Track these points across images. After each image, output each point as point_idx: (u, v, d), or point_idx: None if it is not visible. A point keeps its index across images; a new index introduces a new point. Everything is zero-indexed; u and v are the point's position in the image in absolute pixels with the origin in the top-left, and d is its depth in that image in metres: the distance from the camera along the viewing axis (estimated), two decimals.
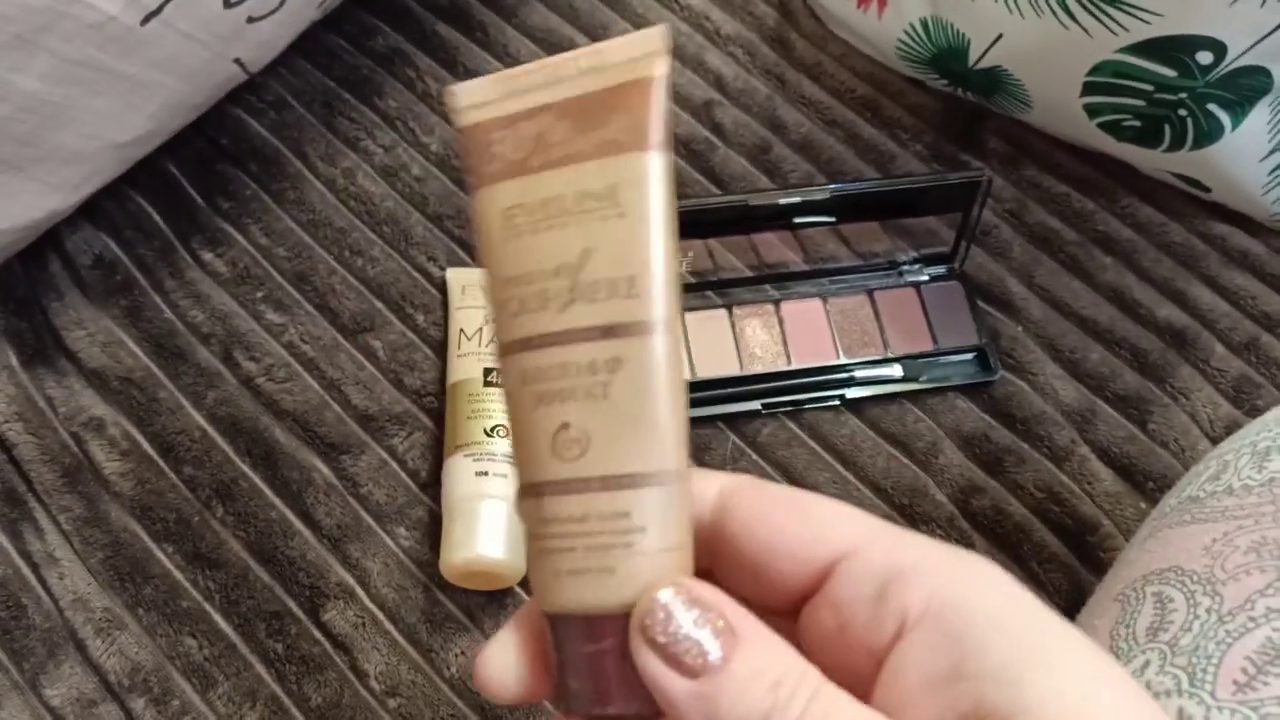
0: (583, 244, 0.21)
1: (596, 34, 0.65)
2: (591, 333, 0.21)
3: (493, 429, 0.50)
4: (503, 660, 0.22)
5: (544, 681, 0.22)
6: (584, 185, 0.21)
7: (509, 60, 0.64)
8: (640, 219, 0.21)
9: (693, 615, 0.20)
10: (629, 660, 0.20)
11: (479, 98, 0.22)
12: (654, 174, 0.21)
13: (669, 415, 0.21)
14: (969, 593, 0.20)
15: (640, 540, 0.21)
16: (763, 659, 0.20)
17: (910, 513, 0.52)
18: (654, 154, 0.21)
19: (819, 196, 0.53)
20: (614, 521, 0.21)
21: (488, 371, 0.51)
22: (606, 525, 0.21)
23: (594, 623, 0.21)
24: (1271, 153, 0.55)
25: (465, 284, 0.55)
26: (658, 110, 0.21)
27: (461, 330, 0.53)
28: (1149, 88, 0.54)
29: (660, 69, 0.21)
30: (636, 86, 0.21)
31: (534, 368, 0.21)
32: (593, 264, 0.21)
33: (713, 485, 0.23)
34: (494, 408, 0.50)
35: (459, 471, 0.49)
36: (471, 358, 0.52)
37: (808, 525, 0.22)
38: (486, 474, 0.48)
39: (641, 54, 0.21)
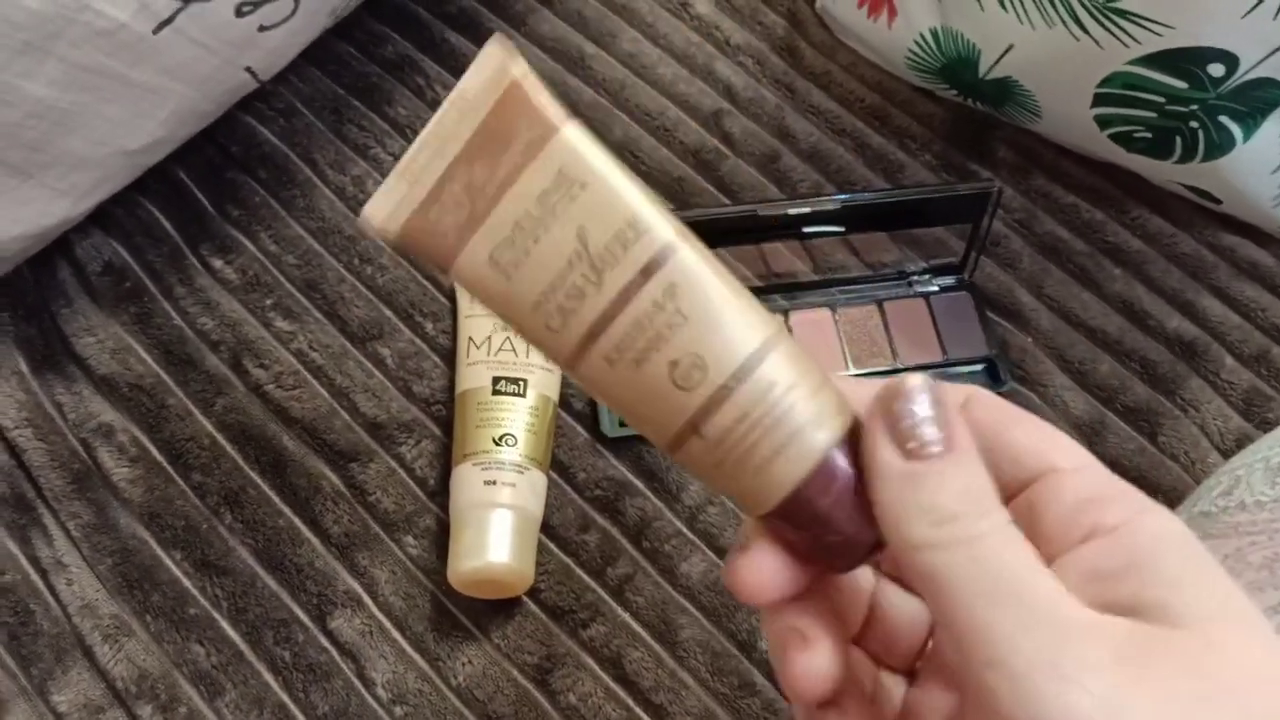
0: (574, 227, 0.23)
1: (604, 42, 0.65)
2: (635, 282, 0.23)
3: (501, 438, 0.50)
4: (765, 565, 0.24)
5: (800, 572, 0.24)
6: (536, 189, 0.23)
7: None
8: (598, 176, 0.23)
9: (929, 408, 0.22)
10: (857, 492, 0.23)
11: (389, 204, 0.24)
12: (579, 139, 0.23)
13: (738, 294, 0.24)
14: (1158, 526, 0.23)
15: (797, 393, 0.24)
16: (970, 473, 0.22)
17: None
18: (567, 127, 0.23)
19: (828, 206, 0.53)
20: (768, 396, 0.23)
21: (496, 380, 0.51)
22: (766, 403, 0.23)
23: (815, 478, 0.24)
24: None
25: None
26: (543, 98, 0.23)
27: (470, 338, 0.53)
28: (1160, 99, 0.54)
29: (518, 69, 0.23)
30: (511, 94, 0.23)
31: (613, 345, 0.24)
32: (593, 235, 0.23)
33: (959, 394, 0.25)
34: (502, 416, 0.50)
35: (467, 480, 0.49)
36: (480, 366, 0.52)
37: (1037, 439, 0.24)
38: (494, 483, 0.48)
39: (494, 70, 0.23)
